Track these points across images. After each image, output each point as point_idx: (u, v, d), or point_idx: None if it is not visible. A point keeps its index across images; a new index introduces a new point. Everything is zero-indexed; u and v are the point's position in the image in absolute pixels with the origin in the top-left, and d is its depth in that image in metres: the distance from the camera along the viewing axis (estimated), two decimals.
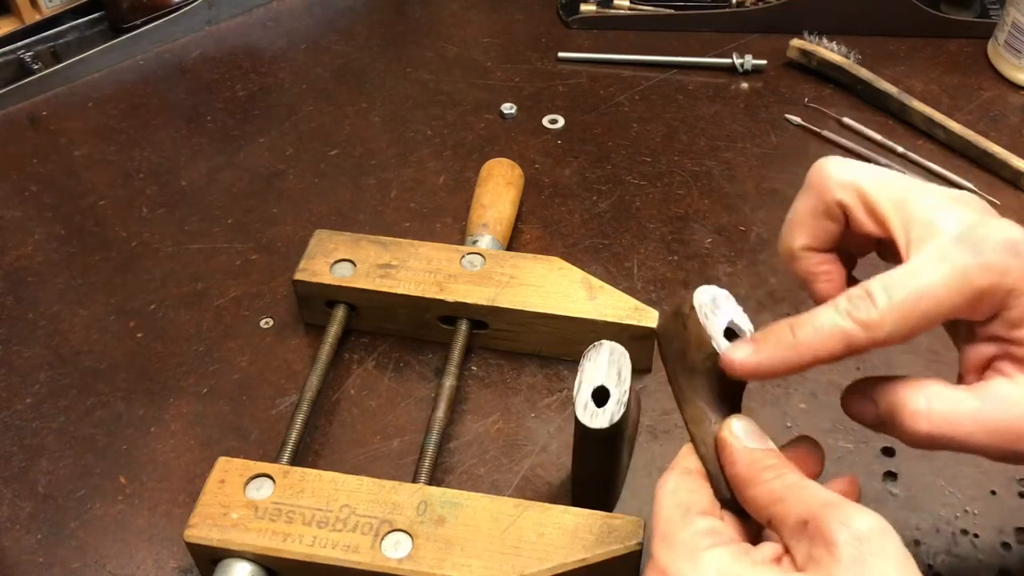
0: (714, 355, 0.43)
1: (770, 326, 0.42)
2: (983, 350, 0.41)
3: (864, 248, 0.46)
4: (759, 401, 0.65)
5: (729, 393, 0.44)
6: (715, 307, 0.45)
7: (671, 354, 0.45)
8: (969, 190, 0.79)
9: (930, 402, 0.40)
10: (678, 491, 0.42)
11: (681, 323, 0.44)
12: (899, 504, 0.60)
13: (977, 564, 0.57)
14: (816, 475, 0.44)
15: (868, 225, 0.42)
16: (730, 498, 0.42)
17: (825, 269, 0.45)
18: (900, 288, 0.39)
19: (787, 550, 0.39)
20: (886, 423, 0.41)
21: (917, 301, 0.39)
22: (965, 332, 0.42)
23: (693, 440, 0.44)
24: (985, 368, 0.42)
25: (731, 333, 0.44)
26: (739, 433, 0.42)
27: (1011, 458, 0.40)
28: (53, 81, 0.90)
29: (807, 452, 0.44)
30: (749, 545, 0.40)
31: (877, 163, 0.81)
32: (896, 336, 0.39)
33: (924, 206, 0.41)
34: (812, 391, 0.66)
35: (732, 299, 0.46)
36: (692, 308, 0.44)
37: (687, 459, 0.43)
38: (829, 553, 0.36)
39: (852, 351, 0.40)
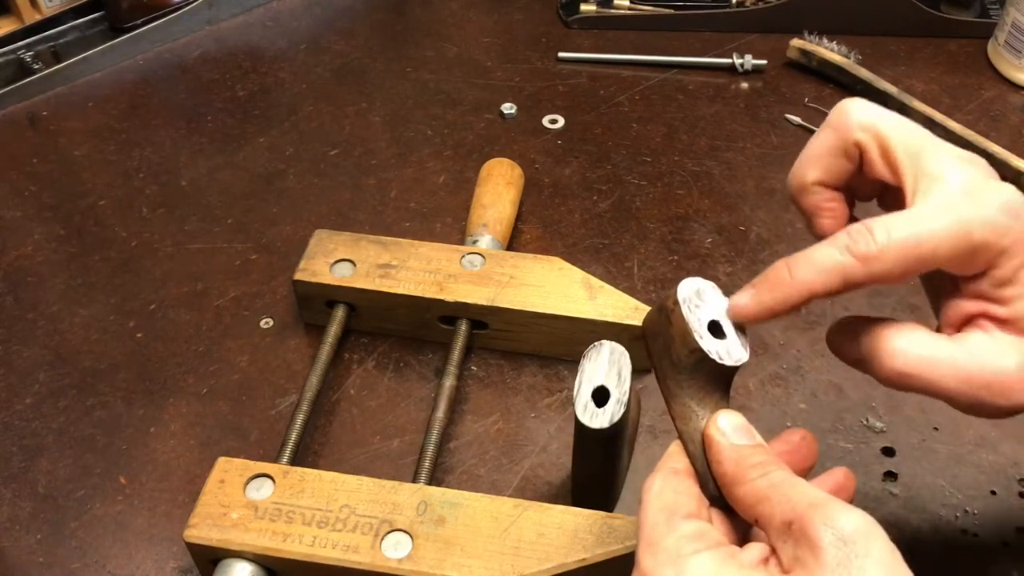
0: (698, 350, 0.42)
1: (767, 268, 0.43)
2: (965, 306, 0.42)
3: (869, 193, 0.47)
4: (759, 401, 0.65)
5: (717, 388, 0.43)
6: (700, 300, 0.44)
7: (657, 350, 0.44)
8: None
9: (908, 342, 0.41)
10: (664, 493, 0.41)
11: (666, 318, 0.43)
12: (899, 504, 0.60)
13: (977, 564, 0.57)
14: (810, 467, 0.44)
15: (881, 169, 0.43)
16: (718, 496, 0.42)
17: (831, 206, 0.46)
18: (902, 228, 0.40)
19: (774, 551, 0.38)
20: (864, 360, 0.42)
21: (917, 243, 0.40)
22: (949, 287, 0.43)
23: (681, 437, 0.43)
24: (964, 324, 0.43)
25: (716, 326, 0.43)
26: (726, 429, 0.42)
27: (977, 408, 0.42)
28: (53, 81, 0.90)
29: (800, 444, 0.44)
30: (735, 548, 0.39)
31: None
32: (893, 274, 0.40)
33: (937, 160, 0.42)
34: (812, 391, 0.66)
35: (718, 291, 0.45)
36: (676, 303, 0.43)
37: (674, 458, 0.43)
38: (813, 555, 0.36)
39: (849, 286, 0.41)
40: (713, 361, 0.42)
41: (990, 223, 0.40)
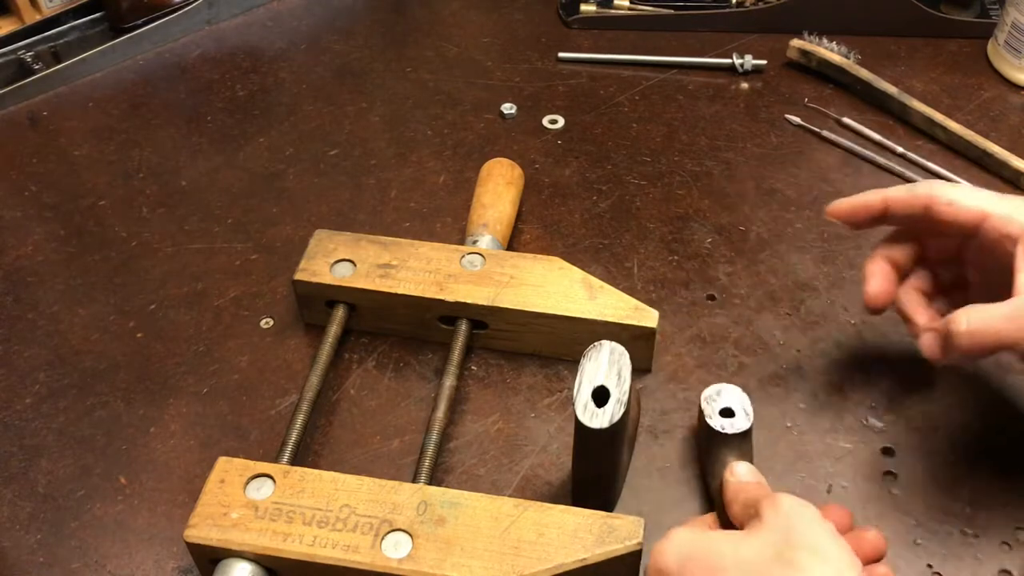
0: (708, 427, 0.56)
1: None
2: None
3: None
4: (760, 402, 0.65)
5: (732, 452, 0.55)
6: (717, 396, 0.56)
7: (699, 434, 0.60)
8: None
9: (968, 311, 0.53)
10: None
11: (699, 411, 0.58)
12: (899, 504, 0.60)
13: (977, 564, 0.57)
14: (877, 558, 0.52)
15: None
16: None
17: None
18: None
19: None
20: (942, 337, 0.54)
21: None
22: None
23: (710, 491, 0.57)
24: None
25: (728, 412, 0.56)
26: (738, 472, 0.53)
27: None
28: (53, 81, 0.90)
29: (870, 539, 0.52)
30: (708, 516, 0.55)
31: (876, 163, 0.82)
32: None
33: None
34: (812, 391, 0.66)
35: (738, 390, 0.57)
36: (700, 400, 0.57)
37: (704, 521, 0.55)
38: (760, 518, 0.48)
39: None
40: (719, 432, 0.55)
41: None
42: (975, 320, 0.52)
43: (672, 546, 0.48)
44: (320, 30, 0.98)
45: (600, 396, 0.52)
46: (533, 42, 0.96)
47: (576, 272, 0.66)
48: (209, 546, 0.53)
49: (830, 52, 0.89)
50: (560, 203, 0.79)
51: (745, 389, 0.57)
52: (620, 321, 0.64)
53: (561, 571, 0.52)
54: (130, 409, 0.66)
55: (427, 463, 0.58)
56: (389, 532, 0.53)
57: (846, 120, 0.85)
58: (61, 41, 0.95)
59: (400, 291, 0.66)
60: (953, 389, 0.65)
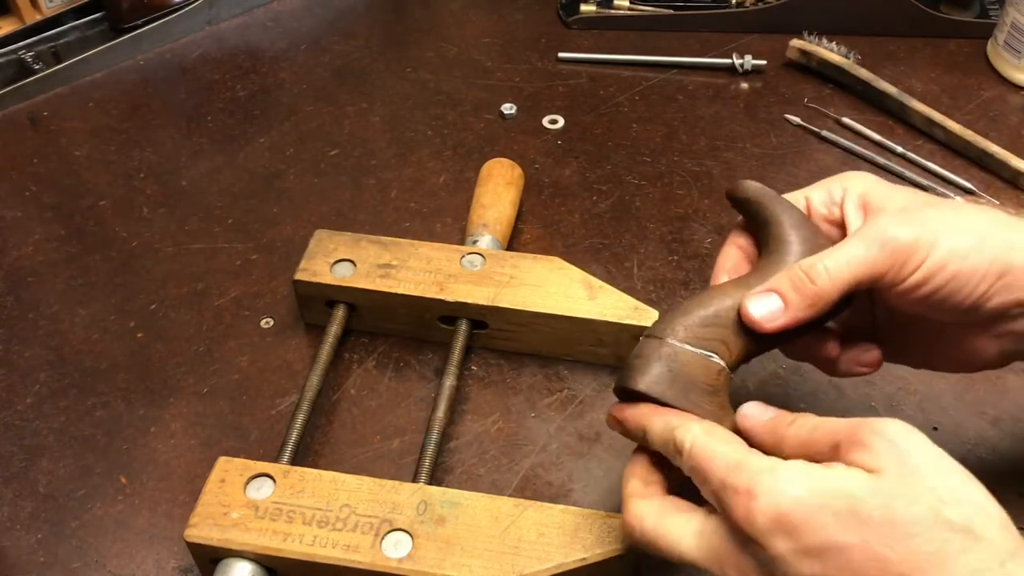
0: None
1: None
2: None
3: None
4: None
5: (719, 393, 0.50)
6: None
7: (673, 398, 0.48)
8: (968, 190, 0.79)
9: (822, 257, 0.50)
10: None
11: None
12: None
13: None
14: None
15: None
16: None
17: None
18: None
19: None
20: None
21: None
22: None
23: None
24: None
25: None
26: (751, 413, 0.48)
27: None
28: (54, 81, 0.90)
29: None
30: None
31: (875, 163, 0.82)
32: None
33: None
34: (812, 391, 0.66)
35: None
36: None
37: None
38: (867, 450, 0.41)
39: None
40: None
41: None
42: (831, 264, 0.48)
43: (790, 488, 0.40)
44: (320, 30, 0.98)
45: None
46: (533, 42, 0.96)
47: (576, 272, 0.67)
48: (209, 546, 0.53)
49: (830, 52, 0.89)
50: (560, 203, 0.79)
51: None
52: (620, 321, 0.64)
53: (561, 571, 0.52)
54: (130, 409, 0.66)
55: (427, 463, 0.58)
56: (389, 532, 0.53)
57: (846, 120, 0.85)
58: (61, 41, 0.95)
59: (400, 291, 0.66)
60: (953, 389, 0.65)
